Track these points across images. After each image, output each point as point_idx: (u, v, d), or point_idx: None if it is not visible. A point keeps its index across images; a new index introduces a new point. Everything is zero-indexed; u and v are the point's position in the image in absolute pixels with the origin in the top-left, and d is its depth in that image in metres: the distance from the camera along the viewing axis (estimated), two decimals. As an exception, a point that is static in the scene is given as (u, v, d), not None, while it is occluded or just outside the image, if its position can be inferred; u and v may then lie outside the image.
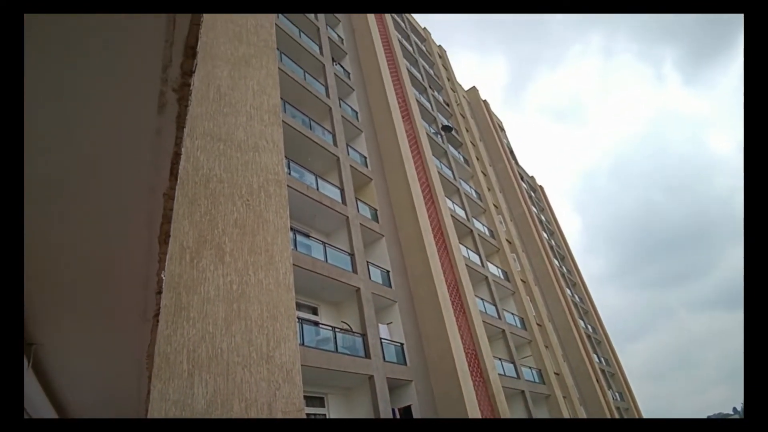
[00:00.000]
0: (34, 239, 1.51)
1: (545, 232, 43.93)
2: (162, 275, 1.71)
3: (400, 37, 32.83)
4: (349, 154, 20.76)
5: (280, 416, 4.92)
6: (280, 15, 20.12)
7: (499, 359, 22.63)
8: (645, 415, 42.88)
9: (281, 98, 14.20)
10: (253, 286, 5.57)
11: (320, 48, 22.91)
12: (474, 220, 28.70)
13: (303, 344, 13.93)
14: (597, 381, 32.83)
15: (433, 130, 29.97)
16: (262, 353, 5.20)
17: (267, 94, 7.33)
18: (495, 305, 25.13)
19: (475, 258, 25.84)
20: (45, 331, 2.17)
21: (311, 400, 15.13)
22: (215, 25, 6.87)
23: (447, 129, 30.60)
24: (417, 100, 28.83)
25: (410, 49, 34.34)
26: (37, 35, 0.95)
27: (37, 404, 2.70)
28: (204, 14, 0.98)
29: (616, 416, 33.47)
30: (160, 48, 0.96)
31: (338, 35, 26.11)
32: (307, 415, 13.92)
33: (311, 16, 23.57)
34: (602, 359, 40.03)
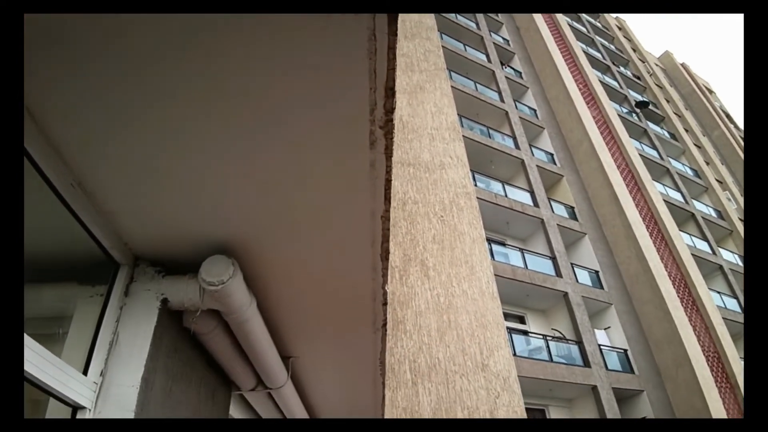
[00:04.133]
0: (289, 268, 1.87)
1: (798, 204, 35.32)
2: (386, 288, 1.95)
3: (569, 20, 30.71)
4: (533, 155, 20.03)
5: (503, 424, 4.94)
6: (443, 35, 20.72)
7: (756, 363, 18.78)
8: None
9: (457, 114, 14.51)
10: (459, 297, 5.77)
11: (487, 55, 22.81)
12: (694, 201, 24.73)
13: (515, 354, 13.66)
14: None
15: (625, 110, 27.05)
16: (476, 362, 5.33)
17: (444, 113, 7.64)
18: (736, 298, 21.07)
19: (702, 246, 22.16)
20: (300, 347, 2.63)
21: (531, 412, 14.66)
22: (390, 61, 7.46)
23: (642, 105, 27.27)
24: (601, 82, 26.40)
25: (583, 29, 31.81)
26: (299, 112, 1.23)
27: (294, 411, 3.23)
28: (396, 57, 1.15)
29: None
30: (366, 95, 1.16)
31: (503, 38, 25.67)
32: (530, 426, 13.50)
33: (473, 27, 23.71)
34: None
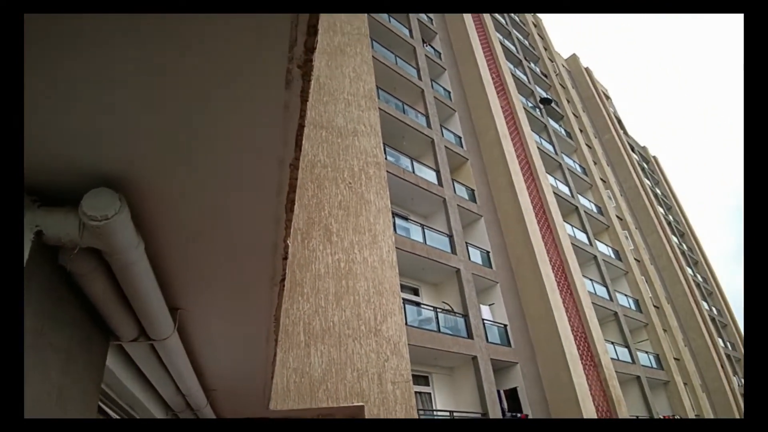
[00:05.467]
0: (184, 212, 1.76)
1: (661, 207, 40.34)
2: (287, 242, 1.91)
3: (491, 10, 31.64)
4: (443, 135, 20.64)
5: (389, 387, 5.16)
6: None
7: (612, 343, 21.43)
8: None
9: (375, 84, 14.37)
10: (359, 264, 5.85)
11: (410, 30, 22.87)
12: (579, 196, 27.18)
13: (406, 323, 14.26)
14: (722, 367, 29.82)
15: (530, 104, 28.73)
16: (370, 327, 5.48)
17: (362, 80, 7.56)
18: (606, 286, 23.74)
19: (581, 236, 24.53)
20: (190, 298, 2.50)
21: (416, 378, 15.48)
22: (312, 18, 7.20)
23: (546, 102, 29.15)
24: (512, 74, 27.74)
25: (503, 21, 33.03)
26: (189, 36, 1.12)
27: (179, 366, 3.09)
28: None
29: (742, 404, 30.17)
30: (287, 29, 1.10)
31: (427, 16, 25.86)
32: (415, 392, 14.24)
33: (400, -1, 23.57)
34: (728, 344, 36.21)
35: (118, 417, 3.34)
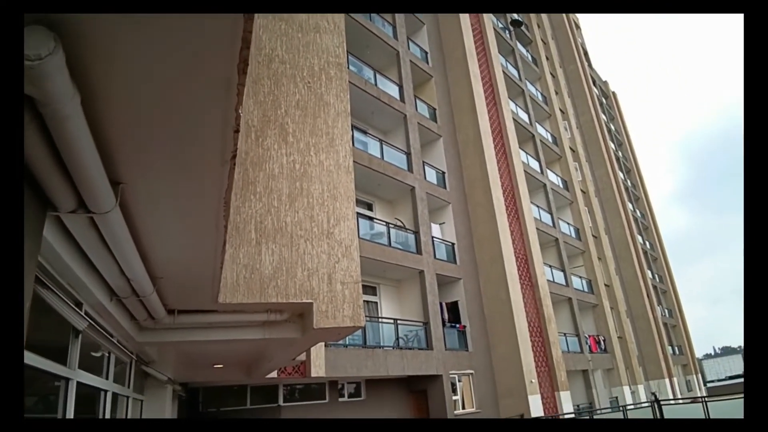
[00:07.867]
0: (125, 66, 1.62)
1: (613, 143, 41.61)
2: (240, 111, 1.81)
3: None
4: (409, 49, 19.93)
5: (339, 287, 5.32)
6: None
7: (550, 266, 22.82)
8: (692, 333, 43.15)
9: (342, -16, 13.43)
10: (315, 167, 5.77)
11: (384, -71, 21.17)
12: (537, 124, 27.50)
13: (359, 237, 14.55)
14: (647, 296, 32.69)
15: (501, 25, 27.93)
16: (323, 229, 5.52)
17: (329, -28, 7.00)
18: (551, 213, 24.84)
19: (534, 164, 25.15)
20: (133, 172, 2.38)
21: (365, 289, 16.12)
22: None
23: (516, 24, 28.38)
24: (485, -9, 26.59)
25: (482, -70, 31.04)
26: None
27: (122, 245, 2.98)
28: None
29: (663, 331, 33.58)
30: None
31: None
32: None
33: None
34: (656, 276, 39.47)
35: (58, 297, 3.29)
